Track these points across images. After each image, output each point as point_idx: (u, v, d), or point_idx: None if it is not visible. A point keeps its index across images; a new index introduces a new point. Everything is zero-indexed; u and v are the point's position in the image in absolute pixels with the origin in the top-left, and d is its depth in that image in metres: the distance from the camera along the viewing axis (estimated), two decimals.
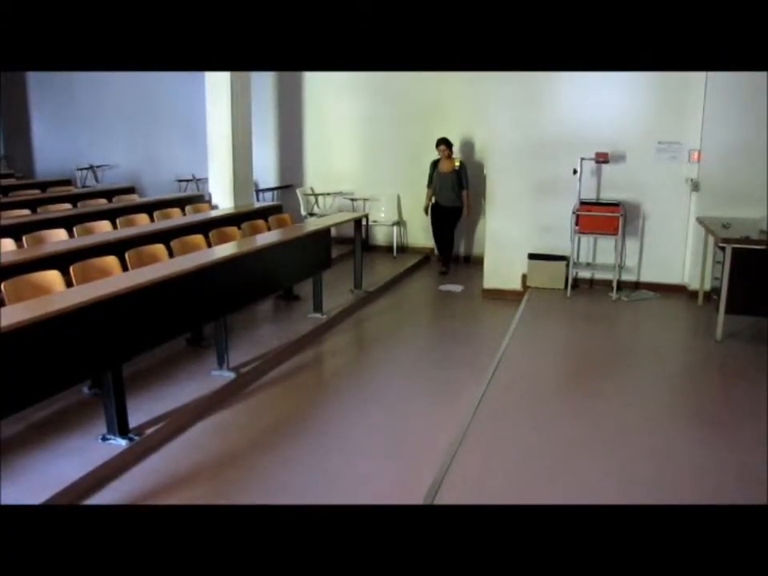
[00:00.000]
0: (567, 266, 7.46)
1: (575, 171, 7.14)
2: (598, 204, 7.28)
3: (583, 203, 7.22)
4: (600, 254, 7.64)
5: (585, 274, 7.73)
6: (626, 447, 4.02)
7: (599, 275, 7.65)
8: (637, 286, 7.54)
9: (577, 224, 7.21)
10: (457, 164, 8.65)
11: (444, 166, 8.70)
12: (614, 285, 7.31)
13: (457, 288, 8.18)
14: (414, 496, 3.46)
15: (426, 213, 8.96)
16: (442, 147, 8.63)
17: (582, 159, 7.12)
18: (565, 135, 7.34)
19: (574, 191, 7.22)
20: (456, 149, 9.42)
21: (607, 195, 7.40)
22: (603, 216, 7.15)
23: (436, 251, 9.45)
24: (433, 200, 8.86)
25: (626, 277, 7.53)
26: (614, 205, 7.17)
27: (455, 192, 8.66)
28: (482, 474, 3.74)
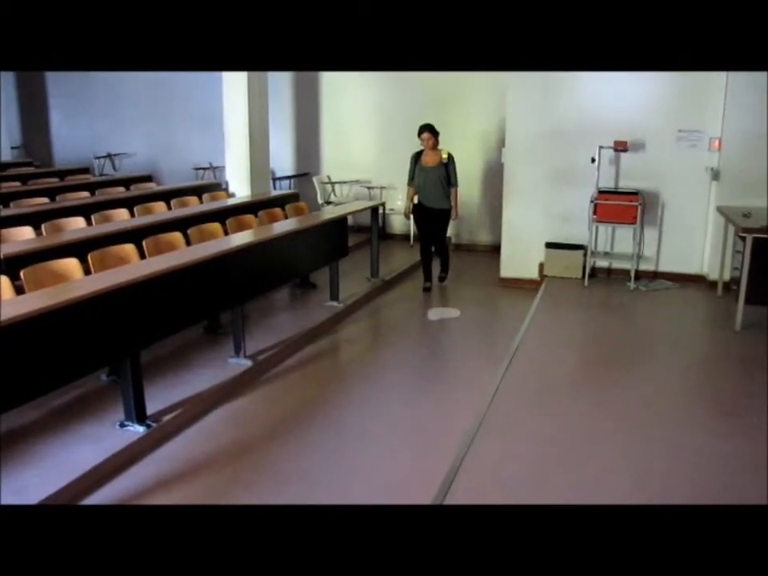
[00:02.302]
0: (585, 255, 7.41)
1: (593, 160, 7.09)
2: (616, 193, 7.22)
3: (601, 192, 7.17)
4: (618, 243, 7.58)
5: (602, 263, 7.67)
6: (643, 438, 4.00)
7: (617, 264, 7.59)
8: (655, 275, 7.48)
9: (595, 213, 7.16)
10: (444, 156, 7.17)
11: (428, 159, 7.21)
12: (632, 274, 7.26)
13: (452, 313, 6.70)
14: (430, 484, 3.46)
15: (407, 216, 7.63)
16: (426, 136, 7.11)
17: (601, 148, 7.06)
18: (583, 123, 7.28)
19: (592, 180, 7.17)
20: (474, 137, 9.35)
21: (626, 184, 7.34)
22: (621, 205, 7.09)
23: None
24: (415, 200, 7.37)
25: (644, 266, 7.48)
26: (633, 194, 7.11)
27: (442, 190, 7.19)
28: (498, 462, 3.73)
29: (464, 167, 9.41)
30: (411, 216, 7.56)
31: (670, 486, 3.49)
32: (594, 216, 7.17)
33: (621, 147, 7.04)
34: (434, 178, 7.17)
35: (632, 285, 7.23)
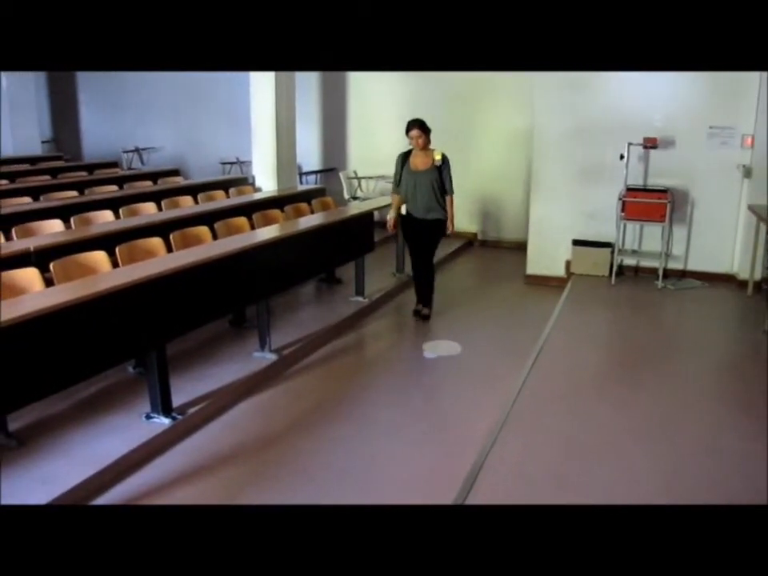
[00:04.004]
0: (612, 252, 7.34)
1: (622, 156, 7.02)
2: (645, 190, 7.14)
3: (630, 189, 7.09)
4: (646, 241, 7.50)
5: (630, 261, 7.59)
6: (670, 439, 3.96)
7: (645, 263, 7.51)
8: (683, 274, 7.39)
9: (623, 210, 7.09)
10: (438, 158, 6.00)
11: (418, 161, 6.04)
12: (660, 273, 7.17)
13: (452, 348, 5.56)
14: (453, 481, 3.45)
15: (392, 228, 6.30)
16: (415, 133, 5.92)
17: (630, 144, 6.99)
18: (612, 120, 7.21)
19: (620, 177, 7.10)
20: (502, 133, 9.28)
21: (655, 181, 7.26)
22: (650, 203, 7.01)
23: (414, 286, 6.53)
24: (402, 210, 6.19)
25: (672, 265, 7.39)
26: (662, 191, 7.02)
27: (435, 199, 6.02)
28: (521, 461, 3.71)
29: (491, 164, 9.43)
30: (396, 229, 6.39)
31: (696, 487, 3.44)
32: (623, 214, 7.10)
33: (650, 144, 6.96)
34: (424, 183, 6.00)
35: (660, 283, 7.15)
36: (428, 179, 5.99)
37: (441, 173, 6.02)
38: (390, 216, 6.25)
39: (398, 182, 6.19)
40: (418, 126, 5.94)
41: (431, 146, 6.06)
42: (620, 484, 3.48)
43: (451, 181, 6.09)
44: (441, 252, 8.58)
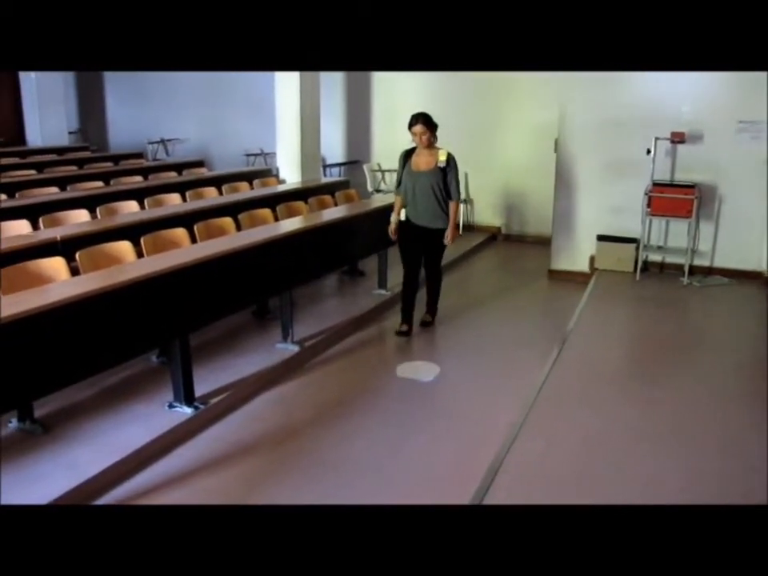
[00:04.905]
0: (637, 248, 7.27)
1: (649, 151, 6.93)
2: (671, 185, 7.05)
3: (656, 184, 7.01)
4: (672, 237, 7.41)
5: (655, 257, 7.51)
6: (692, 438, 3.91)
7: (670, 259, 7.43)
8: (710, 271, 7.30)
9: (649, 206, 7.01)
10: (442, 158, 5.32)
11: (421, 161, 5.39)
12: (686, 269, 7.09)
13: (428, 371, 4.86)
14: (474, 476, 3.44)
15: (393, 234, 5.64)
16: (419, 129, 5.26)
17: (657, 139, 6.90)
18: (639, 114, 7.12)
19: (646, 172, 7.02)
20: (527, 127, 9.22)
21: (682, 176, 7.16)
22: (677, 198, 6.93)
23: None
24: (402, 215, 5.54)
25: (698, 261, 7.30)
26: (689, 187, 6.94)
27: (438, 204, 5.37)
28: (542, 456, 3.69)
29: (515, 158, 9.37)
30: (396, 234, 5.63)
31: (719, 489, 3.40)
32: (648, 209, 7.02)
33: (678, 139, 6.87)
34: (425, 186, 5.35)
35: (685, 280, 7.07)
36: (429, 182, 5.33)
37: (445, 175, 5.35)
38: (392, 220, 5.61)
39: (399, 182, 5.58)
40: (422, 120, 5.26)
41: (437, 144, 5.42)
42: (642, 483, 3.45)
43: (458, 185, 5.41)
44: (464, 246, 8.59)
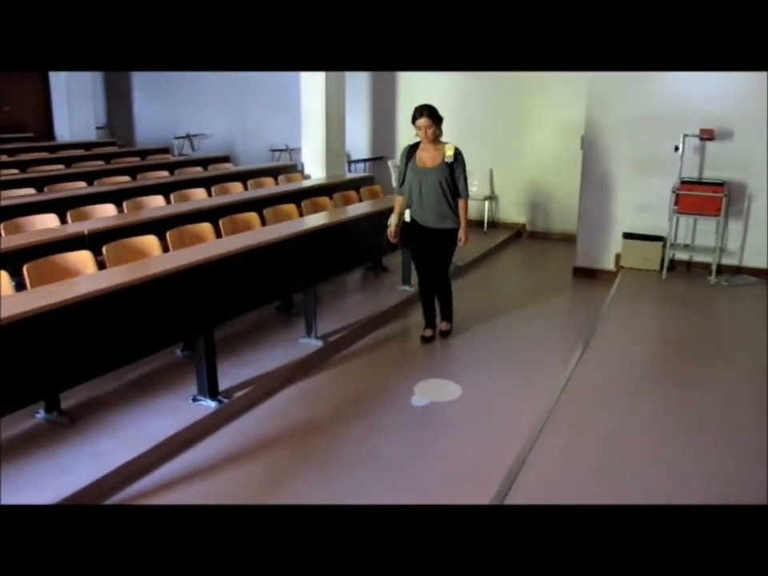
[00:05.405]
0: (664, 246, 7.19)
1: (677, 148, 6.85)
2: (700, 183, 6.96)
3: (684, 182, 6.93)
4: (699, 235, 7.31)
5: (682, 255, 7.42)
6: (718, 440, 3.86)
7: (698, 258, 7.33)
8: (738, 270, 7.19)
9: (676, 203, 6.92)
10: (449, 153, 4.99)
11: (426, 157, 5.06)
12: (713, 268, 7.00)
13: (450, 391, 4.51)
14: (496, 473, 3.43)
15: (393, 237, 5.26)
16: (423, 122, 4.91)
17: (685, 136, 6.82)
18: (667, 110, 7.03)
19: (674, 169, 6.94)
20: (553, 124, 9.16)
21: (711, 174, 7.07)
22: (705, 196, 6.83)
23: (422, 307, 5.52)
24: (406, 216, 5.21)
25: (726, 260, 7.19)
26: (718, 184, 6.84)
27: (446, 202, 5.04)
28: (565, 456, 3.66)
29: (541, 154, 9.31)
30: (398, 239, 5.28)
31: (746, 492, 3.35)
32: (676, 207, 6.94)
33: (707, 136, 6.77)
34: (431, 183, 5.02)
35: (713, 279, 6.98)
36: (436, 179, 5.00)
37: (453, 171, 5.03)
38: (392, 222, 5.22)
39: (402, 180, 5.22)
40: (426, 112, 4.91)
41: (443, 139, 5.12)
42: (665, 484, 3.41)
43: (466, 181, 5.08)
44: (489, 243, 8.56)
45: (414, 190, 5.08)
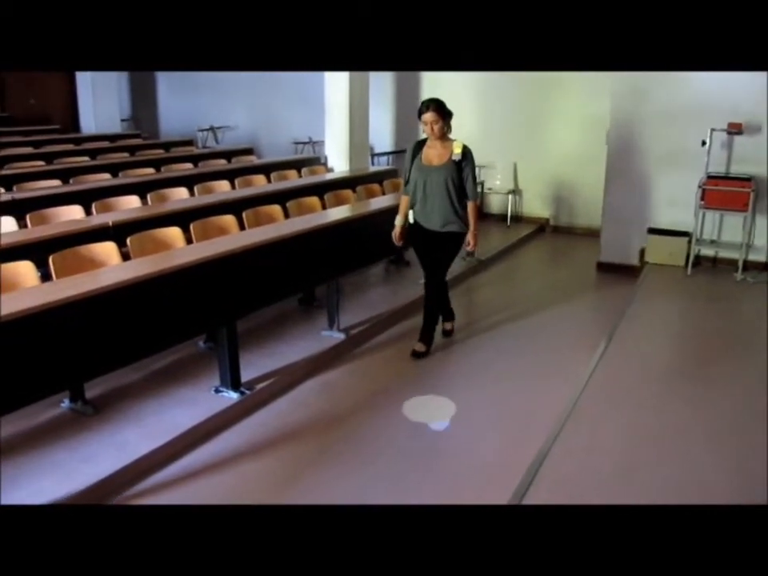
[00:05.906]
0: (689, 242, 7.11)
1: (704, 143, 6.76)
2: (727, 178, 6.86)
3: (711, 177, 6.83)
4: (726, 231, 7.22)
5: (708, 251, 7.33)
6: (741, 439, 3.80)
7: (724, 254, 7.23)
8: (765, 267, 7.09)
9: (702, 199, 6.84)
10: (457, 151, 4.68)
11: (432, 154, 4.75)
12: (740, 264, 6.90)
13: (442, 410, 4.14)
14: (517, 469, 3.41)
15: (398, 239, 4.98)
16: (430, 116, 4.59)
17: (712, 130, 6.73)
18: (693, 104, 6.93)
19: (700, 164, 6.85)
20: (576, 118, 9.09)
21: (738, 169, 6.97)
22: (732, 191, 6.73)
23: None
24: (410, 217, 4.89)
25: (753, 257, 7.09)
26: (745, 179, 6.74)
27: (452, 203, 4.70)
28: (586, 453, 3.64)
29: (565, 148, 9.24)
30: (403, 241, 5.01)
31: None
32: (702, 202, 6.85)
33: (735, 130, 6.67)
34: (438, 183, 4.68)
35: (739, 276, 6.89)
36: (442, 178, 4.66)
37: (461, 171, 4.70)
38: (397, 223, 4.94)
39: (407, 179, 4.90)
40: (433, 107, 4.59)
41: (452, 136, 4.83)
42: (687, 483, 3.38)
43: (475, 182, 4.75)
44: (512, 237, 8.52)
45: (417, 189, 4.77)
